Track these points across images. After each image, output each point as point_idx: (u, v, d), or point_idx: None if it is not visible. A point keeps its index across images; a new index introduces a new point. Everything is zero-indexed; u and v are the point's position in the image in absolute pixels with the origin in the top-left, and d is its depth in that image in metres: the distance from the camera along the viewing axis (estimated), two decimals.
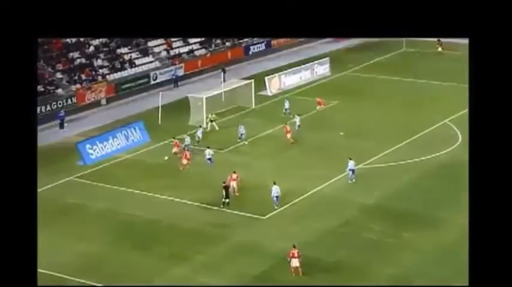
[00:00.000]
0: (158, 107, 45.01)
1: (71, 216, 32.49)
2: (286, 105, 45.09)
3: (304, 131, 41.45)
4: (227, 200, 32.32)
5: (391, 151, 39.03)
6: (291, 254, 26.85)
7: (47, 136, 42.50)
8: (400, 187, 34.57)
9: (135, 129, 41.35)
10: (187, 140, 39.18)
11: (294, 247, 26.97)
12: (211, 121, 43.37)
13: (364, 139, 40.86)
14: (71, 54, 50.29)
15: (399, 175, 35.96)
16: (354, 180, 34.86)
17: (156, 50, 54.49)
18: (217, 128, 42.85)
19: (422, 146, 39.06)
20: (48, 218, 31.65)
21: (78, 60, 50.33)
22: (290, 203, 33.09)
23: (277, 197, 32.26)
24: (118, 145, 40.22)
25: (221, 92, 46.05)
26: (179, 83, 52.36)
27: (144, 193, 34.63)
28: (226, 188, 32.43)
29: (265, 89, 49.99)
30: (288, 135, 39.87)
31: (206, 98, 43.78)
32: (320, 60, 54.55)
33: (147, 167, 37.94)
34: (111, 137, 40.20)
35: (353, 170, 34.78)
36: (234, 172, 34.14)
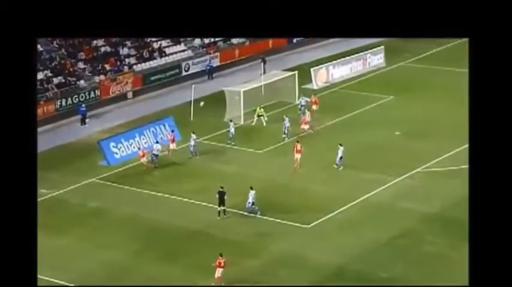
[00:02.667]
0: (190, 101, 44.79)
1: (92, 221, 32.43)
2: (303, 102, 44.00)
3: (354, 129, 40.64)
4: (222, 208, 31.62)
5: (453, 153, 37.98)
6: (217, 263, 26.87)
7: (67, 133, 42.70)
8: (464, 194, 33.21)
9: (164, 126, 41.23)
10: (156, 147, 37.74)
11: (221, 255, 26.86)
12: (259, 116, 43.10)
13: (423, 139, 39.98)
14: (95, 41, 50.45)
15: (463, 181, 34.72)
16: (341, 167, 35.55)
17: (189, 37, 54.35)
18: (265, 123, 42.63)
19: None
20: (68, 223, 31.71)
21: (103, 49, 50.50)
22: (338, 211, 32.45)
23: (252, 203, 31.59)
24: (145, 143, 40.14)
25: (261, 85, 45.60)
26: (214, 75, 52.19)
27: (172, 197, 34.43)
28: (221, 194, 31.60)
29: (311, 81, 49.39)
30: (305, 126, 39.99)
31: (244, 92, 43.42)
32: (373, 50, 53.68)
33: (177, 169, 37.70)
34: (137, 134, 40.17)
35: (341, 157, 35.85)
36: (298, 142, 36.16)
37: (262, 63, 50.69)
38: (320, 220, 31.59)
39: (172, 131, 39.94)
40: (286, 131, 40.37)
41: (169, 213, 32.94)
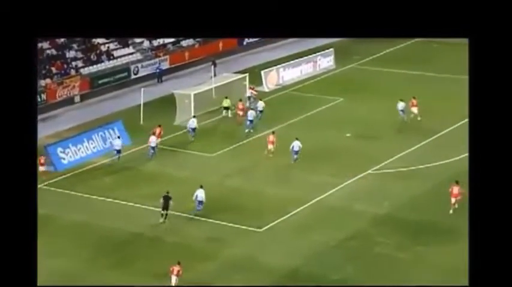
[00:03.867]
0: (140, 105, 45.53)
1: (41, 229, 32.63)
2: (249, 93, 46.33)
3: (305, 132, 42.05)
4: (166, 212, 32.73)
5: (404, 154, 39.72)
6: (171, 270, 27.47)
7: None
8: (415, 196, 35.24)
9: (113, 130, 41.76)
10: (117, 143, 39.70)
11: (179, 263, 27.59)
12: (225, 108, 44.62)
13: (373, 141, 41.58)
14: (40, 44, 50.69)
15: (413, 182, 36.64)
16: (297, 161, 38.04)
17: (138, 40, 55.03)
18: (230, 115, 44.52)
19: (439, 149, 39.74)
20: None
21: (48, 51, 50.77)
22: (291, 214, 33.66)
23: (200, 202, 32.84)
24: (94, 148, 40.65)
25: (211, 88, 46.60)
26: (164, 78, 52.95)
27: (123, 202, 35.10)
28: (166, 199, 32.71)
29: (262, 84, 50.63)
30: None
31: (194, 95, 44.33)
32: (323, 52, 55.26)
33: (128, 174, 38.44)
34: (85, 139, 40.57)
35: (297, 151, 38.01)
36: (273, 133, 39.53)
37: (212, 66, 51.76)
38: (273, 223, 32.76)
39: (119, 137, 40.57)
40: (251, 126, 42.28)
41: (120, 219, 33.61)
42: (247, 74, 48.62)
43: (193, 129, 41.87)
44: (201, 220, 33.15)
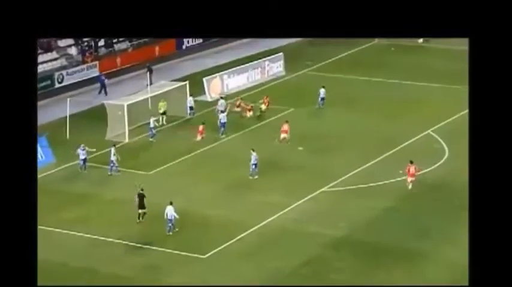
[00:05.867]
0: (66, 117, 44.84)
1: None
2: (191, 103, 47.28)
3: (253, 146, 41.91)
4: (143, 211, 34.13)
5: (361, 169, 39.88)
6: None
7: None
8: (374, 215, 35.35)
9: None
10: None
11: None
12: (162, 114, 45.26)
13: (327, 155, 41.66)
14: None
15: (372, 200, 36.76)
16: (256, 176, 38.45)
17: (61, 44, 54.24)
18: (165, 122, 45.59)
19: (400, 163, 39.96)
20: None
21: None
22: (237, 238, 33.43)
23: (170, 220, 33.48)
24: None
25: (147, 98, 46.21)
26: (94, 87, 52.05)
27: (49, 228, 34.44)
28: (141, 197, 33.96)
29: (204, 93, 50.43)
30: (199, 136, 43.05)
31: (128, 106, 43.92)
32: (272, 57, 55.35)
33: (53, 196, 37.70)
34: None
35: (255, 165, 38.59)
36: (287, 122, 42.13)
37: (148, 73, 51.25)
38: (218, 249, 32.51)
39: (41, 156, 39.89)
40: (222, 129, 43.82)
41: (47, 248, 32.87)
42: (187, 82, 48.34)
43: (152, 130, 43.39)
44: (138, 247, 32.67)
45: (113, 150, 39.74)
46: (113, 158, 39.43)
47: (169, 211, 33.39)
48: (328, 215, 35.25)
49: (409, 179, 36.95)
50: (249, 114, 46.73)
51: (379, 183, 38.20)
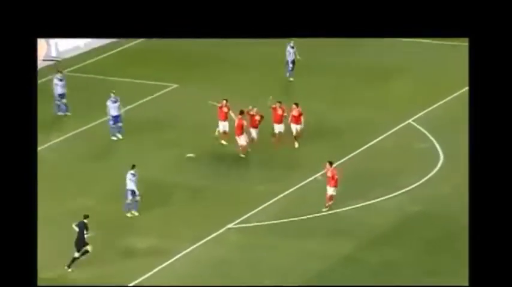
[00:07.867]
0: None
1: None
2: None
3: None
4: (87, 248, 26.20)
5: (281, 196, 29.44)
6: None
7: None
8: (286, 262, 26.08)
9: None
10: None
11: None
12: None
13: (232, 175, 31.45)
14: None
15: (288, 240, 26.90)
16: (136, 205, 28.83)
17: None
18: None
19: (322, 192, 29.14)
20: None
21: None
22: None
23: (132, 191, 27.86)
24: None
25: None
26: None
27: None
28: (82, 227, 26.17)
29: None
30: None
31: None
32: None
33: None
34: None
35: (132, 191, 28.69)
36: (297, 104, 32.57)
37: None
38: None
39: None
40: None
41: None
42: None
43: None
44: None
45: None
46: None
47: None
48: (233, 264, 26.26)
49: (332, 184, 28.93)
50: None
51: (302, 217, 28.41)
